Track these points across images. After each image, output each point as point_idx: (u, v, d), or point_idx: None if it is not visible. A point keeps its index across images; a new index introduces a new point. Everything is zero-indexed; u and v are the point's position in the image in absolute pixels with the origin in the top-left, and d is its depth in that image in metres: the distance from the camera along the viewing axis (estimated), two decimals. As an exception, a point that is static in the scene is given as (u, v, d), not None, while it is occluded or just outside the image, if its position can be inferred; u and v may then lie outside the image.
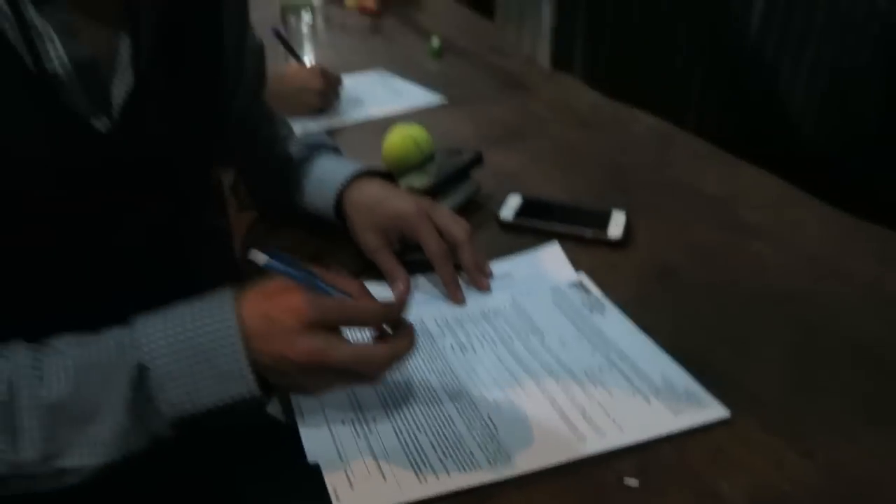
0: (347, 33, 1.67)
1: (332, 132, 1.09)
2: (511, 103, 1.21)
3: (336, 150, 0.84)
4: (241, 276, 0.68)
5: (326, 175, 0.77)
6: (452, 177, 0.84)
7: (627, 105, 1.17)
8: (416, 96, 1.23)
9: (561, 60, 3.04)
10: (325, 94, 1.14)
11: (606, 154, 1.02)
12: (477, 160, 0.87)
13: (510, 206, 0.84)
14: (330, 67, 1.18)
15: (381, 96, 1.23)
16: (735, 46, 1.54)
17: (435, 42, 1.45)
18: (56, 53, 0.53)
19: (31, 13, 0.51)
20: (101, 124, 0.56)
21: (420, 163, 0.85)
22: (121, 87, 0.57)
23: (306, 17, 1.38)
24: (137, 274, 0.60)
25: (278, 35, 1.26)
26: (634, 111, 1.16)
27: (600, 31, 3.17)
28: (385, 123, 0.97)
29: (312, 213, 0.79)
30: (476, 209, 0.85)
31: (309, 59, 1.32)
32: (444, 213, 0.72)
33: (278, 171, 0.82)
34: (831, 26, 1.21)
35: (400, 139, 0.88)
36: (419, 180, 0.82)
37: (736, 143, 1.04)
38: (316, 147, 0.83)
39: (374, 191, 0.74)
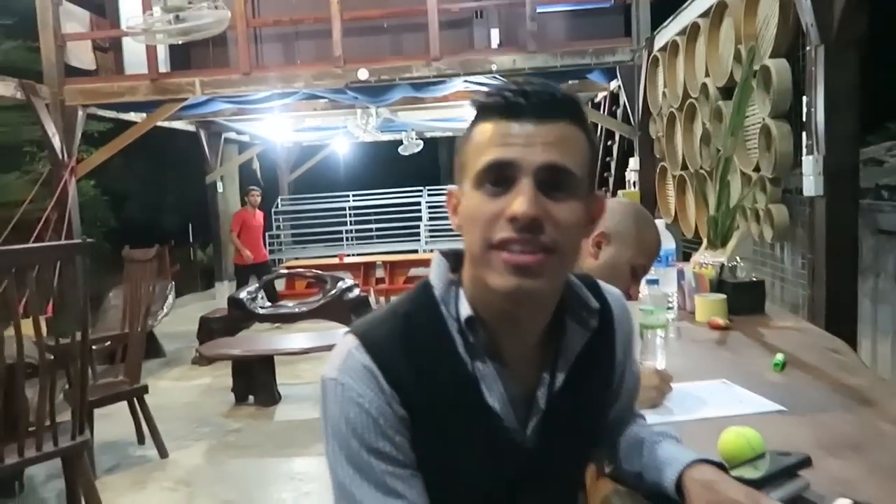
0: (696, 344, 1.80)
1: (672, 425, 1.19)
2: (852, 416, 1.19)
3: (677, 440, 0.98)
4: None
5: (671, 457, 0.92)
6: (781, 473, 0.91)
7: None
8: (755, 403, 1.29)
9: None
10: (661, 390, 1.28)
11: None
12: (805, 462, 0.93)
13: (838, 508, 0.86)
14: (675, 373, 1.32)
15: (721, 400, 1.31)
16: None
17: (779, 357, 1.47)
18: (498, 392, 0.81)
19: (480, 365, 0.80)
20: (519, 439, 0.83)
21: (751, 459, 0.95)
22: (536, 414, 0.84)
23: (660, 331, 1.52)
24: None
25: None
26: None
27: None
28: (721, 423, 1.08)
29: (654, 485, 0.92)
30: (804, 505, 0.90)
31: (659, 365, 1.47)
32: None
33: (633, 448, 0.99)
34: None
35: (734, 436, 0.99)
36: (749, 473, 0.91)
37: None
38: (662, 434, 0.98)
39: (709, 474, 0.87)
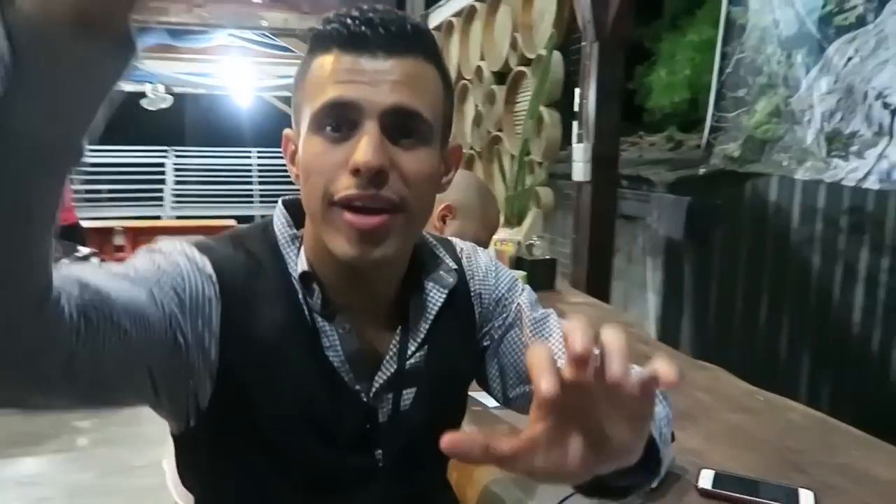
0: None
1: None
2: (672, 389, 1.30)
3: None
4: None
5: None
6: None
7: (779, 395, 1.29)
8: None
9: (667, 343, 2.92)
10: None
11: (773, 437, 1.11)
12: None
13: (706, 478, 0.93)
14: None
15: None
16: (840, 327, 1.75)
17: None
18: (337, 348, 0.73)
19: (321, 319, 0.72)
20: (363, 396, 0.75)
21: None
22: (385, 372, 0.76)
23: None
24: None
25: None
26: (785, 400, 1.26)
27: (704, 316, 3.14)
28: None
29: None
30: (675, 479, 0.96)
31: None
32: None
33: None
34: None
35: None
36: None
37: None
38: None
39: None
